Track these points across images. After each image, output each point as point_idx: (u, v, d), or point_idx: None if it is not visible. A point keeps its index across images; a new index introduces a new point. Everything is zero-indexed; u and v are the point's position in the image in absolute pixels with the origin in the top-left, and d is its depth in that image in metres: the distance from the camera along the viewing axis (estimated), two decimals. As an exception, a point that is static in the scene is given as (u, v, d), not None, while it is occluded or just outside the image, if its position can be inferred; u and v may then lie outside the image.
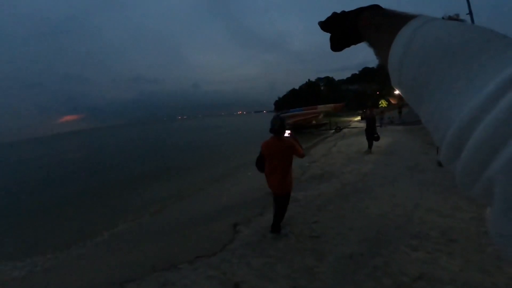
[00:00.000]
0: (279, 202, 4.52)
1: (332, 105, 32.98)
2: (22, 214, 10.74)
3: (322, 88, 78.78)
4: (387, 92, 48.67)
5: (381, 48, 0.42)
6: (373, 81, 56.00)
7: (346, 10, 0.57)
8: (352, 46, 0.60)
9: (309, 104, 37.19)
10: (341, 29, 0.58)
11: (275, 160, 4.18)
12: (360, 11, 0.52)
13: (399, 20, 0.37)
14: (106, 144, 50.54)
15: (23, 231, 8.51)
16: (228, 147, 25.38)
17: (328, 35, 0.62)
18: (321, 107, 32.26)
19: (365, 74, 68.02)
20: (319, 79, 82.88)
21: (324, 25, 0.61)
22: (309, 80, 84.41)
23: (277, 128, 4.10)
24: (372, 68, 62.82)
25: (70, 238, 7.35)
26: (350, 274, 3.34)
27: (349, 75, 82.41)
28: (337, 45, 0.62)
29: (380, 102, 49.27)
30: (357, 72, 76.71)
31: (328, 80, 79.93)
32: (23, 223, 9.47)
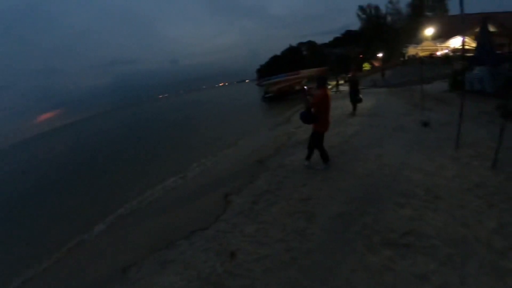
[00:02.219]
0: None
1: (315, 69, 32.63)
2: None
3: (304, 53, 77.13)
4: (371, 56, 48.36)
5: None
6: (356, 45, 55.20)
7: None
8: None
9: (292, 70, 36.72)
10: None
11: (329, 105, 5.26)
12: None
13: None
14: (88, 137, 49.36)
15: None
16: (211, 122, 25.29)
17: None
18: (304, 72, 31.95)
19: (348, 37, 66.58)
20: (301, 43, 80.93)
21: None
22: (290, 45, 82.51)
23: (324, 82, 5.28)
24: (355, 31, 61.15)
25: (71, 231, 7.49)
26: (340, 233, 3.46)
27: (331, 38, 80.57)
28: None
29: (363, 65, 48.87)
30: (340, 36, 75.31)
31: (310, 45, 78.02)
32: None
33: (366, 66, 48.57)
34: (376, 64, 45.91)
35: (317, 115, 5.18)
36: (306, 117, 5.28)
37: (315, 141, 5.47)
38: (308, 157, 5.86)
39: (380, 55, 45.52)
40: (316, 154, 5.70)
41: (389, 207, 3.72)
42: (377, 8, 51.51)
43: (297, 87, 30.75)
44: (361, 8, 52.95)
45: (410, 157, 5.27)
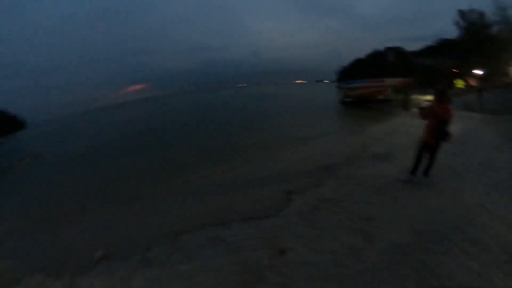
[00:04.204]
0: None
1: (400, 79, 30.55)
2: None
3: (390, 59, 72.26)
4: (466, 72, 42.10)
5: None
6: (450, 56, 46.62)
7: None
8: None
9: (375, 76, 34.89)
10: None
11: None
12: None
13: None
14: (175, 110, 54.05)
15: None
16: (286, 117, 25.59)
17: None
18: (389, 81, 30.17)
19: (442, 46, 59.29)
20: (387, 48, 75.80)
21: None
22: (376, 49, 78.06)
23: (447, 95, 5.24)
24: (451, 40, 52.57)
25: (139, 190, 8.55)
26: (395, 263, 3.36)
27: (422, 46, 73.44)
28: None
29: (456, 82, 43.15)
30: (432, 44, 68.34)
31: (397, 51, 72.70)
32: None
33: (459, 83, 42.60)
34: (472, 82, 40.85)
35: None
36: (446, 135, 5.20)
37: (436, 152, 5.39)
38: (415, 171, 5.73)
39: (478, 72, 39.50)
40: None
41: (455, 253, 3.46)
42: (482, 14, 42.29)
43: (380, 96, 29.23)
44: (461, 12, 44.26)
45: (494, 202, 4.72)
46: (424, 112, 5.46)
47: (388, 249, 3.65)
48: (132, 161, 14.74)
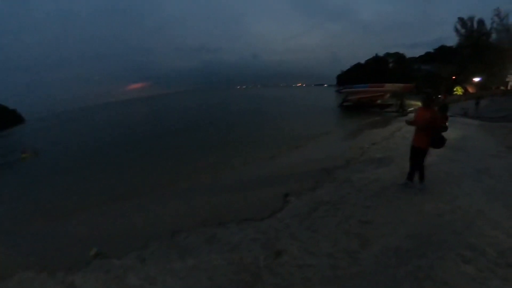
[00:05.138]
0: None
1: (401, 85, 30.52)
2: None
3: (390, 65, 72.41)
4: (465, 79, 42.05)
5: None
6: (449, 63, 47.05)
7: None
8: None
9: (375, 81, 34.95)
10: None
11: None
12: None
13: None
14: (174, 109, 54.33)
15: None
16: (285, 119, 25.69)
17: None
18: (389, 86, 30.10)
19: (441, 53, 59.21)
20: (388, 54, 76.04)
21: None
22: (376, 54, 78.32)
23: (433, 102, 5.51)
24: (450, 47, 53.51)
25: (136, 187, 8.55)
26: (391, 267, 3.36)
27: (422, 52, 73.48)
28: None
29: (455, 89, 43.24)
30: (432, 51, 68.40)
31: (398, 57, 72.77)
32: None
33: (458, 90, 42.66)
34: (470, 89, 41.01)
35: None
36: (441, 142, 5.57)
37: (423, 158, 5.46)
38: (411, 177, 5.78)
39: (476, 79, 39.71)
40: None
41: (452, 257, 3.46)
42: (481, 22, 43.37)
43: (379, 101, 29.28)
44: (461, 20, 45.26)
45: (490, 208, 4.71)
46: (409, 122, 5.65)
47: (384, 252, 3.65)
48: (130, 158, 14.73)
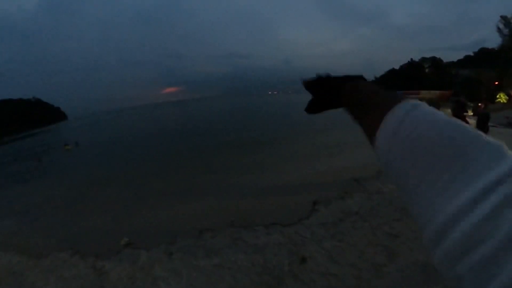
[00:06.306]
0: None
1: (438, 91, 28.79)
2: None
3: (426, 70, 68.48)
4: (510, 84, 36.62)
5: (365, 126, 0.44)
6: (491, 67, 41.52)
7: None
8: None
9: (410, 88, 33.55)
10: (323, 93, 0.60)
11: None
12: (344, 80, 0.54)
13: (382, 102, 0.41)
14: (208, 113, 55.33)
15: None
16: (317, 126, 25.42)
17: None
18: (424, 93, 28.55)
19: (482, 56, 53.55)
20: (423, 59, 71.84)
21: (308, 85, 0.63)
22: (411, 59, 74.45)
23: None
24: (492, 49, 47.52)
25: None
26: (418, 285, 3.26)
27: (460, 56, 67.94)
28: (314, 107, 0.64)
29: (498, 96, 38.67)
30: (472, 54, 63.59)
31: (434, 61, 68.22)
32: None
33: (502, 97, 38.23)
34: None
35: None
36: None
37: None
38: None
39: None
40: None
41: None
42: None
43: None
44: (504, 19, 38.76)
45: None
46: None
47: (412, 268, 3.55)
48: (166, 157, 15.15)
